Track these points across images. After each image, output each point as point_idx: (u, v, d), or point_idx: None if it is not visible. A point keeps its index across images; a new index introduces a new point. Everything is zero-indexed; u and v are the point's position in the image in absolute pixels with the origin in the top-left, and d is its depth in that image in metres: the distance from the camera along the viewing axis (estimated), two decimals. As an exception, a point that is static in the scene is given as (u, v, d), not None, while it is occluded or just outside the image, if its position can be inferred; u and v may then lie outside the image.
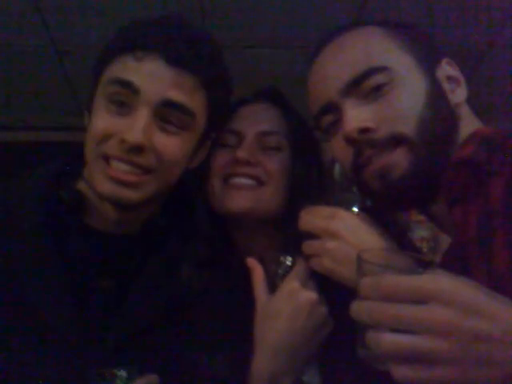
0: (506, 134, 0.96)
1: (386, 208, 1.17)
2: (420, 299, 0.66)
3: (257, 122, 1.28)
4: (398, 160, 0.99)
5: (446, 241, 1.14)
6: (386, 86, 1.02)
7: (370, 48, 1.06)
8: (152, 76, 1.09)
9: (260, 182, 1.23)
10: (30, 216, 1.13)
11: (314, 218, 1.07)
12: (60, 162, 1.22)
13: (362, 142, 1.02)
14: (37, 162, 1.23)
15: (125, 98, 1.09)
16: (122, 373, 1.04)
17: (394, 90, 1.01)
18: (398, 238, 1.01)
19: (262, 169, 1.23)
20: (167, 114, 1.10)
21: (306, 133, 1.26)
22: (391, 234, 1.05)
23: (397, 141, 0.99)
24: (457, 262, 0.95)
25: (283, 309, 1.07)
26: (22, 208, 1.14)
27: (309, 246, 1.07)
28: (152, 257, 1.20)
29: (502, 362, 0.64)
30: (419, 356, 0.66)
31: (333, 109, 1.06)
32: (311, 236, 1.06)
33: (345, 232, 1.02)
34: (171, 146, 1.11)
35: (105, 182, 1.10)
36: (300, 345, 1.06)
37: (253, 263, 1.12)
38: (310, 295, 1.07)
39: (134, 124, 1.07)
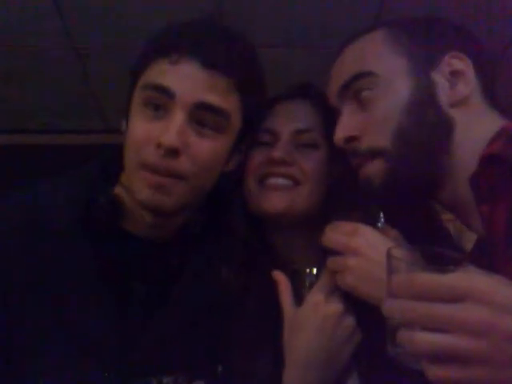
0: None
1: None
2: (454, 298, 0.65)
3: (291, 119, 1.26)
4: (375, 171, 1.04)
5: (470, 239, 1.14)
6: (367, 92, 1.05)
7: (363, 53, 1.09)
8: (187, 79, 1.08)
9: (296, 182, 1.22)
10: (66, 219, 1.12)
11: (336, 234, 1.07)
12: (96, 165, 1.22)
13: (348, 151, 1.06)
14: (58, 166, 1.23)
15: (160, 102, 1.09)
16: (169, 380, 1.04)
17: (375, 99, 1.05)
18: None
19: (298, 168, 1.21)
20: (202, 116, 1.10)
21: None
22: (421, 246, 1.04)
23: (374, 153, 1.03)
24: (484, 259, 0.94)
25: (309, 321, 1.05)
26: (57, 211, 1.13)
27: (332, 263, 1.06)
28: (189, 261, 1.19)
29: None
30: (454, 355, 0.64)
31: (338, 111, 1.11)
32: (336, 252, 1.06)
33: (366, 249, 1.01)
34: (207, 149, 1.11)
35: (143, 189, 1.09)
36: (329, 357, 1.05)
37: (278, 276, 1.11)
38: (335, 307, 1.05)
39: (169, 127, 1.06)
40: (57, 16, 2.61)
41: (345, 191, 1.21)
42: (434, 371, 0.66)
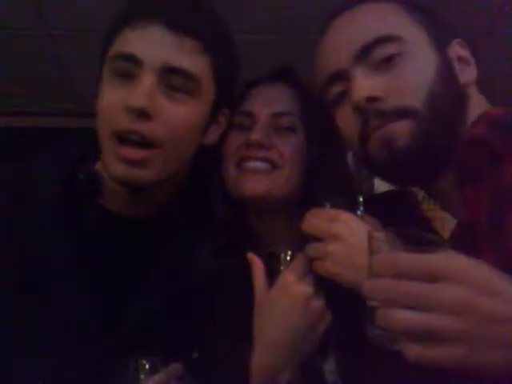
0: None
1: (391, 182, 1.18)
2: (435, 277, 0.66)
3: (270, 102, 1.24)
4: (402, 130, 1.00)
5: (443, 227, 1.15)
6: (397, 57, 1.02)
7: (384, 17, 1.07)
8: (152, 43, 1.07)
9: (274, 166, 1.20)
10: (48, 197, 1.11)
11: (317, 220, 1.06)
12: (80, 145, 1.21)
13: (370, 111, 1.02)
14: (32, 148, 1.22)
15: (129, 71, 1.08)
16: (146, 362, 1.03)
17: (405, 62, 1.02)
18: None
19: (276, 151, 1.20)
20: (172, 80, 1.08)
21: (322, 114, 1.21)
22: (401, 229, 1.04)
23: (403, 113, 1.00)
24: (466, 242, 0.95)
25: (278, 304, 1.05)
26: (41, 189, 1.13)
27: (312, 249, 1.06)
28: (169, 241, 1.19)
29: None
30: (431, 334, 0.65)
31: (342, 78, 1.06)
32: (316, 238, 1.05)
33: (347, 235, 1.01)
34: (179, 113, 1.09)
35: (116, 163, 1.08)
36: (297, 339, 1.05)
37: (252, 258, 1.10)
38: (304, 289, 1.05)
39: (138, 90, 1.05)
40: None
41: (323, 176, 1.20)
42: (411, 350, 0.66)
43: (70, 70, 3.09)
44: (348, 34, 1.07)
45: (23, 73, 3.14)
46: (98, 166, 1.18)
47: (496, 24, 2.73)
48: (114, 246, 1.15)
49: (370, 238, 0.76)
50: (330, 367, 1.15)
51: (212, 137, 1.21)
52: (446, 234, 1.14)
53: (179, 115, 1.09)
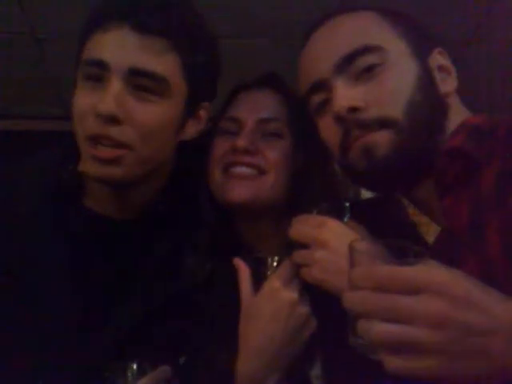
0: (495, 123, 0.97)
1: (371, 190, 1.19)
2: (413, 290, 0.66)
3: (256, 108, 1.25)
4: (382, 140, 1.00)
5: (427, 232, 1.15)
6: (377, 67, 1.03)
7: (365, 27, 1.07)
8: (117, 46, 1.07)
9: (261, 171, 1.21)
10: (32, 199, 1.12)
11: (303, 226, 1.06)
12: (63, 146, 1.21)
13: (351, 121, 1.02)
14: (15, 152, 1.22)
15: (98, 75, 1.07)
16: (133, 365, 1.03)
17: (386, 72, 1.02)
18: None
19: (263, 157, 1.21)
20: (139, 82, 1.08)
21: (308, 119, 1.21)
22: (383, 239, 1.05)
23: (383, 123, 1.00)
24: (447, 250, 0.96)
25: (264, 309, 1.05)
26: (25, 191, 1.13)
27: (298, 256, 1.06)
28: (154, 244, 1.19)
29: (492, 355, 0.64)
30: (410, 346, 0.66)
31: (323, 87, 1.07)
32: (302, 245, 1.05)
33: (333, 242, 1.01)
34: (149, 113, 1.09)
35: (90, 163, 1.08)
36: (282, 345, 1.05)
37: (238, 263, 1.11)
38: (290, 295, 1.05)
39: (106, 95, 1.05)
40: (15, 1, 2.56)
41: (310, 182, 1.21)
42: (390, 362, 0.67)
43: (56, 73, 3.07)
44: (329, 43, 1.08)
45: (7, 75, 3.12)
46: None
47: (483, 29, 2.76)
48: (100, 248, 1.15)
49: (351, 250, 0.76)
50: (316, 372, 1.15)
51: (191, 132, 1.20)
52: (431, 239, 1.14)
53: (149, 116, 1.09)
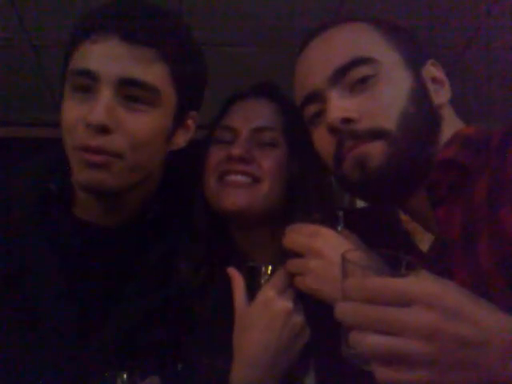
0: (488, 134, 0.97)
1: (365, 200, 1.19)
2: (405, 302, 0.67)
3: (252, 117, 1.25)
4: (375, 152, 1.00)
5: (422, 241, 1.15)
6: (371, 79, 1.03)
7: (358, 39, 1.08)
8: (107, 56, 1.07)
9: (255, 180, 1.21)
10: (22, 209, 1.11)
11: (297, 235, 1.06)
12: (51, 155, 1.20)
13: (344, 132, 1.02)
14: (12, 159, 1.22)
15: (87, 85, 1.07)
16: (123, 375, 1.03)
17: (379, 84, 1.03)
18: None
19: (258, 166, 1.21)
20: (129, 91, 1.08)
21: (303, 129, 1.21)
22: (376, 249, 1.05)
23: (376, 134, 1.00)
24: (440, 261, 0.96)
25: (258, 319, 1.05)
26: (15, 201, 1.13)
27: (292, 265, 1.06)
28: (148, 252, 1.19)
29: (483, 366, 0.65)
30: (401, 358, 0.66)
31: (318, 98, 1.07)
32: (296, 254, 1.05)
33: (327, 251, 1.01)
34: (139, 123, 1.09)
35: (81, 170, 1.08)
36: (276, 355, 1.05)
37: (232, 272, 1.11)
38: (284, 305, 1.05)
39: (96, 105, 1.05)
40: (11, 8, 2.56)
41: (304, 190, 1.21)
42: (382, 373, 0.67)
43: (52, 80, 3.07)
44: (323, 55, 1.08)
45: (4, 82, 3.12)
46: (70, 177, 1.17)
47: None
48: (91, 256, 1.15)
49: (343, 260, 0.76)
50: (310, 380, 1.15)
51: (179, 141, 1.21)
52: (426, 246, 1.15)
53: (139, 126, 1.09)
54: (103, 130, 1.05)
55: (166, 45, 1.10)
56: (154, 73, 1.09)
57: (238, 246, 1.29)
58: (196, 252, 1.24)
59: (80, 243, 1.15)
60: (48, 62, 2.95)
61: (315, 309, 1.06)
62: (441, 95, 1.06)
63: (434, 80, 1.07)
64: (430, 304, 0.66)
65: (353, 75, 1.03)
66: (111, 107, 1.05)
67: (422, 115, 1.02)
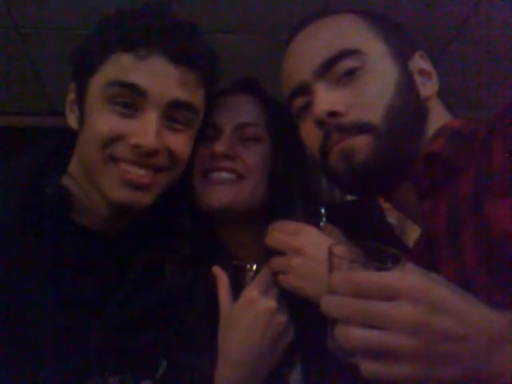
0: (475, 127, 0.97)
1: (351, 194, 1.20)
2: (390, 296, 0.67)
3: (235, 114, 1.25)
4: (361, 145, 1.00)
5: (412, 229, 1.15)
6: (357, 71, 1.03)
7: (345, 32, 1.08)
8: (157, 76, 1.06)
9: (240, 176, 1.21)
10: (11, 211, 1.08)
11: (279, 234, 1.07)
12: (42, 154, 1.17)
13: (331, 125, 1.02)
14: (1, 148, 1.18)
15: (130, 100, 1.06)
16: (115, 380, 1.03)
17: (366, 76, 1.03)
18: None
19: (241, 162, 1.21)
20: (175, 113, 1.10)
21: (286, 124, 1.22)
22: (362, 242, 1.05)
23: (363, 127, 1.00)
24: (426, 254, 0.96)
25: (242, 320, 1.06)
26: (3, 202, 1.09)
27: (275, 263, 1.07)
28: (136, 255, 1.18)
29: (467, 360, 0.66)
30: (385, 351, 0.67)
31: (305, 91, 1.07)
32: (279, 252, 1.06)
33: (309, 248, 1.02)
34: (181, 143, 1.11)
35: (118, 187, 1.07)
36: (260, 355, 1.06)
37: (217, 271, 1.11)
38: (268, 304, 1.06)
39: (147, 129, 1.05)
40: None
41: (288, 186, 1.21)
42: (366, 366, 0.68)
43: (40, 68, 3.04)
44: (310, 48, 1.08)
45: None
46: (66, 180, 1.15)
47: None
48: (84, 262, 1.12)
49: (330, 254, 0.77)
50: (296, 376, 1.16)
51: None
52: (416, 234, 1.15)
53: (181, 145, 1.12)
54: (154, 153, 1.06)
55: (206, 68, 1.13)
56: (198, 96, 1.12)
57: (224, 245, 1.29)
58: (181, 252, 1.24)
59: (76, 249, 1.12)
60: (36, 49, 2.91)
61: (300, 305, 1.07)
62: (428, 87, 1.06)
63: (422, 72, 1.07)
64: (415, 298, 0.66)
65: (339, 68, 1.03)
66: (160, 130, 1.07)
67: (408, 108, 1.02)
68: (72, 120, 1.15)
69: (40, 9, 2.61)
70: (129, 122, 1.06)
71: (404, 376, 0.66)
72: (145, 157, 1.06)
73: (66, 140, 1.17)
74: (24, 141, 1.24)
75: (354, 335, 0.68)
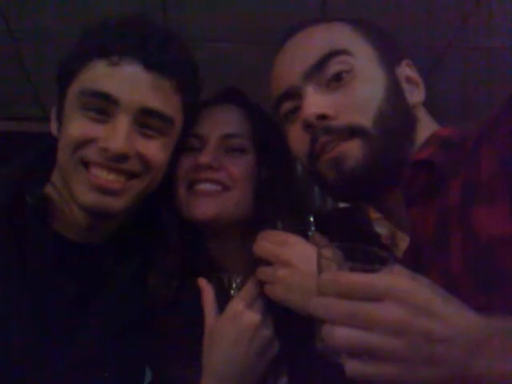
0: (464, 135, 0.97)
1: (341, 200, 1.20)
2: (376, 297, 0.68)
3: (219, 124, 1.24)
4: (352, 150, 1.00)
5: (403, 238, 1.16)
6: (346, 75, 1.03)
7: (334, 34, 1.08)
8: (129, 82, 1.07)
9: (225, 187, 1.20)
10: None
11: (266, 243, 1.07)
12: (24, 162, 1.17)
13: (319, 128, 1.02)
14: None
15: (102, 107, 1.06)
16: None
17: (355, 81, 1.03)
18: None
19: (226, 173, 1.20)
20: (147, 120, 1.09)
21: (272, 134, 1.22)
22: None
23: (353, 131, 1.00)
24: (413, 262, 0.96)
25: (226, 333, 1.06)
26: None
27: (262, 273, 1.07)
28: (119, 266, 1.18)
29: (451, 362, 0.66)
30: (370, 352, 0.67)
31: (294, 95, 1.07)
32: (267, 262, 1.06)
33: (296, 260, 1.02)
34: (153, 149, 1.11)
35: (87, 191, 1.07)
36: (244, 369, 1.05)
37: (202, 283, 1.11)
38: (252, 318, 1.06)
39: (116, 133, 1.05)
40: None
41: (274, 197, 1.20)
42: (351, 365, 0.68)
43: (32, 72, 3.04)
44: (300, 52, 1.08)
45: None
46: (48, 189, 1.15)
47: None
48: (64, 271, 1.11)
49: (319, 257, 0.77)
50: None
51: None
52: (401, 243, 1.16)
53: (154, 151, 1.11)
54: (123, 157, 1.06)
55: (181, 76, 1.12)
56: (172, 105, 1.12)
57: (211, 255, 1.28)
58: (168, 264, 1.23)
59: (56, 259, 1.10)
60: (28, 55, 2.91)
61: (286, 317, 1.07)
62: (415, 95, 1.06)
63: (409, 80, 1.07)
64: (400, 299, 0.67)
65: (328, 70, 1.03)
66: (130, 135, 1.06)
67: (397, 113, 1.02)
68: (54, 127, 1.16)
69: (33, 14, 2.61)
70: (100, 126, 1.07)
71: (388, 376, 0.67)
72: (114, 161, 1.06)
73: (53, 147, 1.16)
74: (16, 146, 1.23)
75: (340, 335, 0.68)
